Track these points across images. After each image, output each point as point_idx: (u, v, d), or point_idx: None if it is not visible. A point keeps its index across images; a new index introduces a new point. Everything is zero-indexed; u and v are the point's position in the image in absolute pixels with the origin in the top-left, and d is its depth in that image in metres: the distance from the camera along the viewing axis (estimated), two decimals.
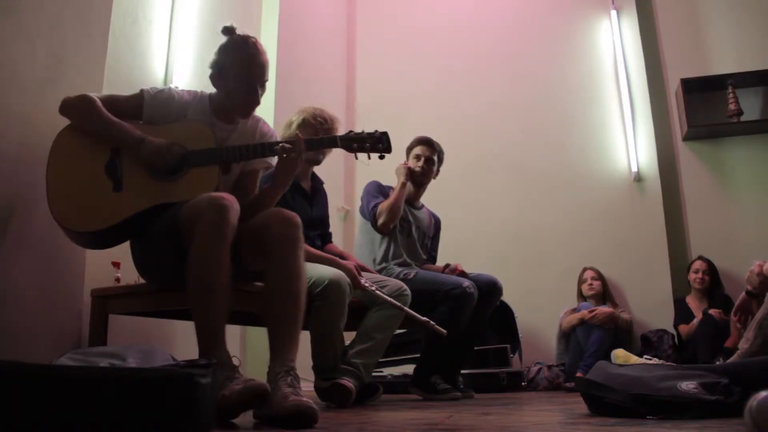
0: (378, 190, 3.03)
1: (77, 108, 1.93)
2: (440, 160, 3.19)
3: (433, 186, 4.57)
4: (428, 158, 3.11)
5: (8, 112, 1.97)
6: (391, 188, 3.07)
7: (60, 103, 1.95)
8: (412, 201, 3.16)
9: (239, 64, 1.96)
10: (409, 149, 3.17)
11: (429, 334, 2.72)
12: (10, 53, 1.98)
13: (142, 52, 2.76)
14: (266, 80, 2.02)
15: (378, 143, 2.03)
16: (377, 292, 2.43)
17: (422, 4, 5.20)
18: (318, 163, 2.66)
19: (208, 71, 2.03)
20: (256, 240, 1.72)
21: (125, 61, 2.62)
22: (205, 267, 1.59)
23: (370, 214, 2.95)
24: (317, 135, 2.46)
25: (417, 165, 3.08)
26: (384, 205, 2.91)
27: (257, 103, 2.02)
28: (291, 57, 4.06)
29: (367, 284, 2.43)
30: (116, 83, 2.45)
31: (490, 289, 2.90)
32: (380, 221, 2.90)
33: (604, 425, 1.32)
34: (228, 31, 2.00)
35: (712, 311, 3.64)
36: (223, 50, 1.99)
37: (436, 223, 3.31)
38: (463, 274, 2.95)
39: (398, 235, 3.01)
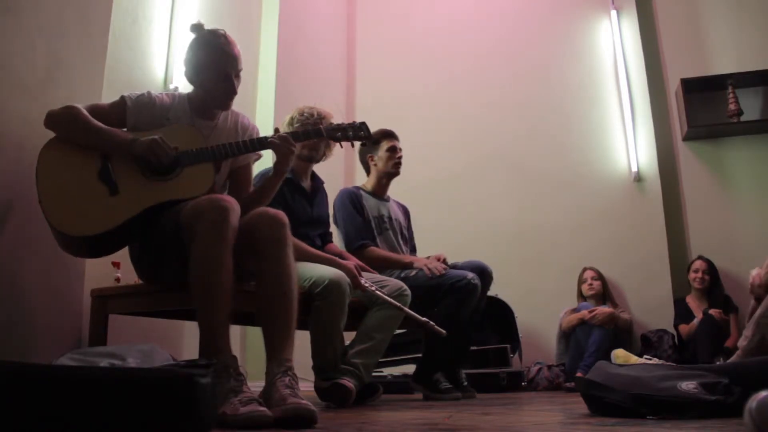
0: (354, 206, 2.93)
1: (64, 120, 1.89)
2: None
3: (433, 186, 4.60)
4: (400, 149, 3.08)
5: (8, 113, 1.97)
6: (360, 190, 3.04)
7: (45, 116, 1.90)
8: (381, 195, 3.10)
9: (212, 59, 1.99)
10: (376, 143, 3.04)
11: (429, 334, 2.73)
12: (10, 53, 1.98)
13: (142, 52, 2.76)
14: (240, 70, 2.05)
15: (359, 131, 2.15)
16: (377, 292, 2.43)
17: (422, 4, 5.21)
18: (313, 160, 2.66)
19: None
20: (246, 240, 1.72)
21: (125, 61, 2.62)
22: (206, 268, 1.59)
23: (353, 246, 2.84)
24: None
25: (395, 157, 3.03)
26: (376, 258, 2.83)
27: (234, 92, 2.04)
28: (291, 57, 4.06)
29: (366, 284, 2.43)
30: (116, 83, 2.45)
31: (480, 274, 2.88)
32: (362, 258, 2.81)
33: (604, 425, 1.32)
34: (196, 28, 2.04)
35: (712, 311, 3.64)
36: (193, 47, 2.03)
37: (406, 212, 3.27)
38: (444, 262, 2.91)
39: (378, 237, 2.98)
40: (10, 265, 1.95)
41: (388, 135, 3.08)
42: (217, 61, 1.98)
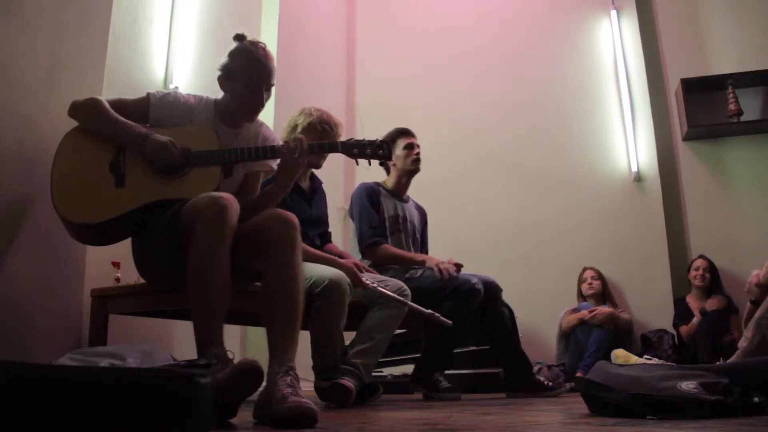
0: (371, 201, 2.92)
1: (86, 109, 1.97)
2: None
3: (433, 186, 4.58)
4: (418, 145, 3.06)
5: (8, 113, 1.97)
6: (380, 186, 3.02)
7: (69, 105, 1.98)
8: (400, 194, 3.09)
9: (246, 67, 2.01)
10: (392, 142, 2.98)
11: (430, 331, 2.74)
12: (10, 53, 1.98)
13: (142, 52, 2.76)
14: (272, 84, 2.07)
15: (378, 150, 2.09)
16: (379, 288, 2.43)
17: (422, 4, 5.21)
18: (318, 167, 2.66)
19: (214, 73, 2.08)
20: (254, 241, 1.73)
21: (125, 61, 2.62)
22: (204, 265, 1.61)
23: (366, 243, 2.85)
24: (321, 141, 2.48)
25: (413, 154, 3.01)
26: (389, 255, 2.84)
27: (262, 105, 2.06)
28: (291, 57, 4.06)
29: (368, 282, 2.43)
30: (116, 83, 2.45)
31: (486, 288, 2.87)
32: (372, 257, 2.83)
33: (604, 425, 1.32)
34: (239, 38, 2.07)
35: (709, 303, 3.64)
36: (233, 54, 2.05)
37: (423, 216, 3.25)
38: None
39: (392, 234, 2.98)
40: (10, 265, 1.95)
41: (404, 133, 3.05)
42: (250, 71, 2.00)
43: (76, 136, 1.97)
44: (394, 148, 3.03)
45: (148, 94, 2.04)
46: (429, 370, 2.78)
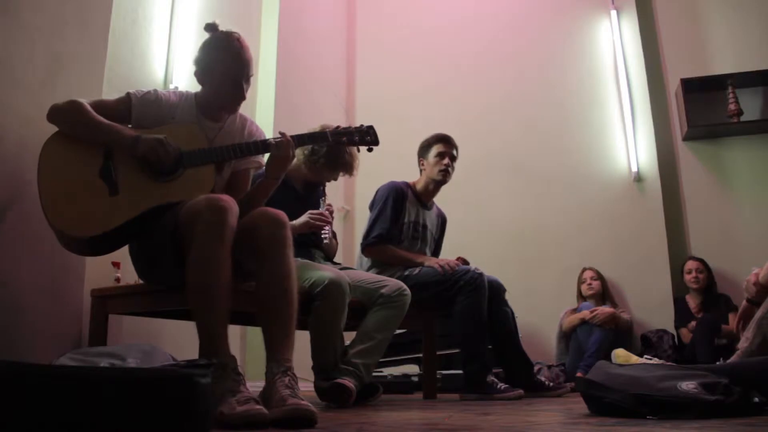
0: (395, 203, 2.90)
1: (67, 114, 1.87)
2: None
3: None
4: (453, 156, 3.04)
5: (8, 112, 1.97)
6: (410, 189, 2.99)
7: (48, 110, 1.88)
8: (425, 201, 3.09)
9: (224, 61, 1.95)
10: (428, 147, 3.05)
11: (455, 335, 2.76)
12: (10, 53, 1.98)
13: (142, 52, 2.76)
14: (251, 75, 2.02)
15: (366, 136, 2.10)
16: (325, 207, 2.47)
17: (422, 3, 5.21)
18: (328, 180, 2.67)
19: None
20: (246, 240, 1.72)
21: (125, 61, 2.62)
22: (204, 269, 1.59)
23: (367, 241, 2.87)
24: (337, 163, 2.54)
25: (442, 164, 2.99)
26: (388, 255, 2.86)
27: (243, 98, 2.00)
28: (291, 57, 4.05)
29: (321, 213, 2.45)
30: (116, 83, 2.45)
31: (489, 287, 2.88)
32: (369, 253, 2.85)
33: (604, 425, 1.32)
34: (211, 27, 2.01)
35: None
36: (206, 47, 1.99)
37: (442, 222, 3.25)
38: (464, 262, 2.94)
39: (409, 239, 2.98)
40: (9, 265, 1.95)
41: (441, 140, 3.03)
42: (228, 65, 1.95)
43: (58, 144, 1.87)
44: (428, 154, 3.04)
45: (129, 93, 1.96)
46: (480, 374, 2.72)
